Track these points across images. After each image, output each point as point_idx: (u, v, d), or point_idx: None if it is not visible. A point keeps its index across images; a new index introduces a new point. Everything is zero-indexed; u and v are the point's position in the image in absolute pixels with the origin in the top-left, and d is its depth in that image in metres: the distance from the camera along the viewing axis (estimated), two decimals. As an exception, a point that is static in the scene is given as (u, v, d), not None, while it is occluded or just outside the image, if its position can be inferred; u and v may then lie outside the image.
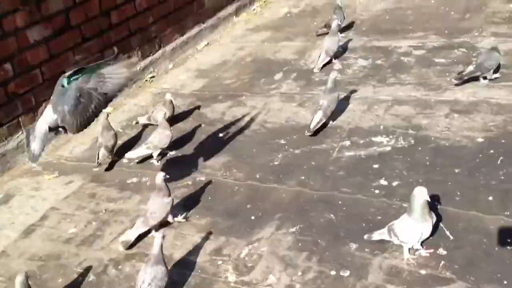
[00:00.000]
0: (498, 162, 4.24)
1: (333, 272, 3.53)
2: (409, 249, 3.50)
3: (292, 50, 7.15)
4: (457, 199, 3.97)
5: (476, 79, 5.35)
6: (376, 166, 4.53)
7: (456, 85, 5.38)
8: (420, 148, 4.63)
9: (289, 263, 3.68)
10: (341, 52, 6.61)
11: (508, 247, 3.45)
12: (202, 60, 7.39)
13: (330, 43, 6.41)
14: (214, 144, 5.26)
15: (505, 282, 3.22)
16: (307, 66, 6.59)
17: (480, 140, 4.56)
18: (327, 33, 6.68)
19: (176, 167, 4.93)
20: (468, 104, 5.10)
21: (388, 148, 4.72)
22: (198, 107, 5.92)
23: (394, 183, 4.27)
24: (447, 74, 5.71)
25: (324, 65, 6.36)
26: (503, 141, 4.48)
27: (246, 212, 4.27)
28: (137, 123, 5.71)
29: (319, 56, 6.38)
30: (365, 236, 3.68)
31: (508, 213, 3.72)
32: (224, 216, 4.26)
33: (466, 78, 5.31)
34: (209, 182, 4.70)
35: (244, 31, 8.24)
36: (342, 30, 7.03)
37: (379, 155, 4.65)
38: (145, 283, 3.32)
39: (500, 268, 3.32)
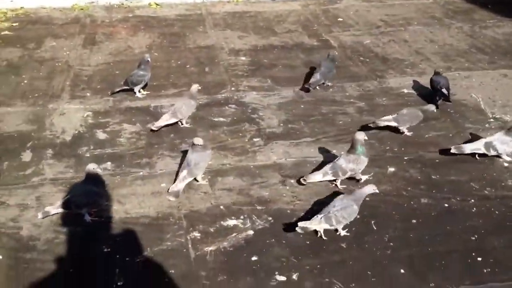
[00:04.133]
0: (374, 227, 3.95)
1: None
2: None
3: (20, 118, 5.39)
4: (373, 279, 3.49)
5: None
6: (255, 258, 3.64)
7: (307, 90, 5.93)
8: (284, 227, 3.95)
9: None
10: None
11: None
12: None
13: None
14: None
15: None
16: (60, 138, 5.04)
17: (336, 205, 4.19)
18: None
19: None
20: (292, 166, 4.69)
21: (251, 233, 3.88)
22: None
23: (294, 276, 3.49)
24: (240, 135, 5.19)
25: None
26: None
27: None
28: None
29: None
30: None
31: None
32: None
33: (314, 87, 5.90)
34: None
35: None
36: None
37: (248, 245, 3.77)
38: None
39: None
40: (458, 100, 5.84)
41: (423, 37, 7.72)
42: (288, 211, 4.13)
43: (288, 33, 7.95)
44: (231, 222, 3.98)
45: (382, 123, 5.11)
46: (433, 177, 4.53)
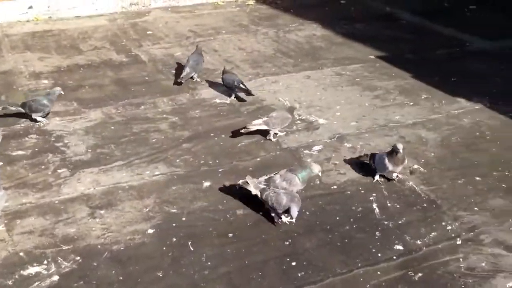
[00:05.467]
0: (191, 248, 3.82)
1: None
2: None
3: None
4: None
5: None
6: (60, 309, 3.29)
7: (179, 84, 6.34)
8: (95, 264, 3.65)
9: None
10: None
11: None
12: None
13: None
14: None
15: None
16: None
17: (151, 231, 3.99)
18: None
19: None
20: (102, 195, 4.38)
21: (56, 278, 3.51)
22: None
23: (106, 321, 3.21)
24: (43, 167, 4.74)
25: None
26: (174, 224, 4.07)
27: None
28: None
29: None
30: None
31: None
32: None
33: (185, 79, 6.28)
34: None
35: None
36: None
37: (52, 294, 3.40)
38: None
39: None
40: (267, 105, 5.97)
41: (232, 45, 7.84)
42: (99, 246, 3.81)
43: (95, 51, 7.56)
44: (33, 269, 3.57)
45: (253, 127, 5.07)
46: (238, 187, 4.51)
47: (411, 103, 5.98)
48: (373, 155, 4.55)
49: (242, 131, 5.15)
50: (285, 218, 4.00)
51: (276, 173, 4.29)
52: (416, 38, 8.11)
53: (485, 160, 4.83)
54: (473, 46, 7.74)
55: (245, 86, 5.97)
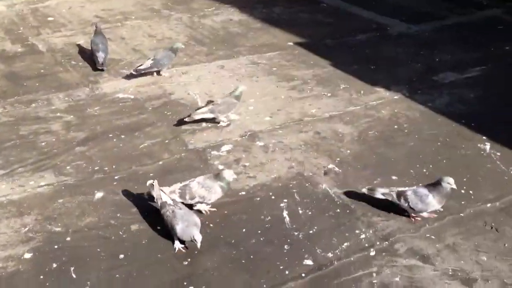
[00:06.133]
0: (74, 275, 3.31)
1: None
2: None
3: None
4: None
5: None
6: None
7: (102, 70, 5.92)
8: None
9: None
10: None
11: None
12: None
13: None
14: None
15: None
16: None
17: (28, 256, 3.45)
18: None
19: None
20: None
21: None
22: None
23: None
24: None
25: None
26: (56, 246, 3.54)
27: None
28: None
29: None
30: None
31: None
32: None
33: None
34: None
35: None
36: None
37: None
38: None
39: None
40: (175, 99, 5.49)
41: (141, 32, 7.26)
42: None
43: (-13, 40, 6.78)
44: None
45: (197, 116, 4.78)
46: (146, 196, 4.03)
47: (328, 94, 5.64)
48: (402, 193, 3.74)
49: (186, 119, 4.83)
50: (178, 245, 3.51)
51: (193, 180, 3.82)
52: (336, 22, 7.78)
53: (402, 156, 4.56)
54: (393, 30, 7.50)
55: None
